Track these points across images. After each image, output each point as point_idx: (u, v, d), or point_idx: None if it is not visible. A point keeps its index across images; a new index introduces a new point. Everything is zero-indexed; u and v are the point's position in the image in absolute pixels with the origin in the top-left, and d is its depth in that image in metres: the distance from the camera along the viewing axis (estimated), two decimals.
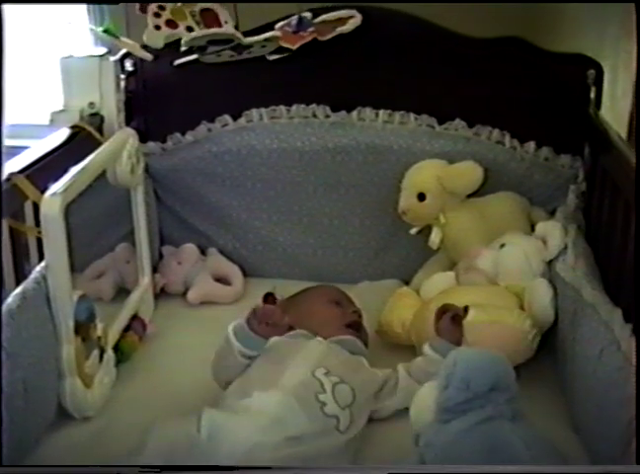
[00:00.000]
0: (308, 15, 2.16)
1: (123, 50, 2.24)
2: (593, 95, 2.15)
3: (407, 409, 1.53)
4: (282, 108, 2.28)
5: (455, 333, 1.74)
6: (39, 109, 2.59)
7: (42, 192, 1.66)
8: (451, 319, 1.74)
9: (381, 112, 2.25)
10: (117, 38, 2.05)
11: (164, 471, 1.32)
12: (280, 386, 1.60)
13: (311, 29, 2.16)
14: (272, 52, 2.16)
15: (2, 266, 1.68)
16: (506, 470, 1.32)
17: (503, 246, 1.99)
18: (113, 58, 2.28)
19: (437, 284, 2.06)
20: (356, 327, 1.90)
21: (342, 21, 2.18)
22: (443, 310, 1.77)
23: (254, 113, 2.28)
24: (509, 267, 1.96)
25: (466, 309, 1.77)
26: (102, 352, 1.79)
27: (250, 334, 1.71)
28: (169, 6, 1.99)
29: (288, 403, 1.56)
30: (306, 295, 2.04)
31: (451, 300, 1.87)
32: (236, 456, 1.46)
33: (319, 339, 1.79)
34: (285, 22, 2.16)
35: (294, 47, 2.15)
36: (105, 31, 2.03)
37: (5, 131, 1.47)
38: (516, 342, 1.79)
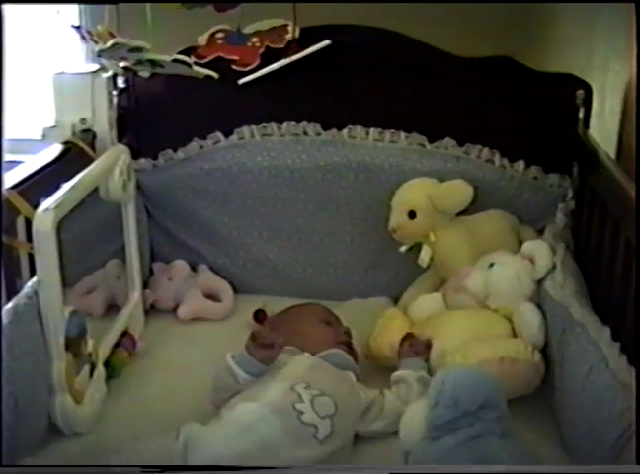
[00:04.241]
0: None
1: None
2: (581, 115, 2.17)
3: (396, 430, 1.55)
4: (274, 125, 2.29)
5: (416, 352, 1.86)
6: (30, 124, 2.60)
7: (35, 207, 1.67)
8: (410, 345, 1.86)
9: (372, 130, 2.26)
10: (188, 66, 2.05)
11: (166, 471, 1.32)
12: (259, 401, 1.62)
13: (254, 39, 2.18)
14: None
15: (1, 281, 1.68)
16: (507, 470, 1.33)
17: (492, 265, 2.00)
18: (105, 75, 2.28)
19: (424, 307, 2.06)
20: (348, 345, 1.91)
21: (283, 28, 2.19)
22: (404, 338, 1.89)
23: (245, 130, 2.30)
24: (500, 288, 1.95)
25: None
26: (92, 367, 1.79)
27: (253, 361, 1.71)
28: (94, 31, 1.99)
29: (260, 412, 1.58)
30: (295, 314, 2.05)
31: (445, 327, 1.89)
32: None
33: (306, 354, 1.80)
34: (219, 35, 2.18)
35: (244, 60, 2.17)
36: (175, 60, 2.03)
37: (5, 146, 1.47)
38: (528, 376, 1.79)
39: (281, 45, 2.19)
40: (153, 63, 1.98)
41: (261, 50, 2.19)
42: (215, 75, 2.11)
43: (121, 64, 2.05)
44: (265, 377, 1.70)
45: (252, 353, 1.72)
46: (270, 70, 2.12)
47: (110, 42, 1.87)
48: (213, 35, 2.20)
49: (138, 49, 1.91)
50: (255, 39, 2.18)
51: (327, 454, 1.57)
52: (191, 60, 2.04)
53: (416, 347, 1.86)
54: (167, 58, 1.99)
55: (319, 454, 1.56)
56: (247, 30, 2.20)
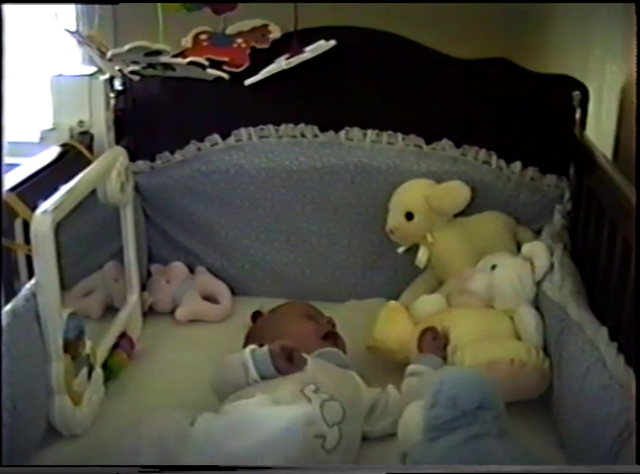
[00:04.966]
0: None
1: None
2: (578, 116, 2.17)
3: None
4: (271, 127, 2.29)
5: (438, 348, 1.83)
6: (28, 126, 2.60)
7: (33, 209, 1.67)
8: (434, 339, 1.83)
9: (369, 132, 2.27)
10: (204, 67, 2.06)
11: (163, 471, 1.32)
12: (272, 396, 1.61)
13: (239, 40, 2.18)
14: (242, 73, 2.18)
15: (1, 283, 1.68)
16: (507, 470, 1.33)
17: (494, 267, 2.00)
18: (102, 77, 2.28)
19: (426, 307, 2.04)
20: (332, 337, 1.91)
21: (264, 29, 2.20)
22: (425, 331, 1.86)
23: (243, 132, 2.30)
24: (504, 290, 1.95)
25: None
26: (90, 369, 1.79)
27: (271, 366, 1.69)
28: (86, 36, 2.00)
29: (272, 407, 1.56)
30: (278, 315, 2.05)
31: (453, 323, 1.89)
32: (221, 455, 1.47)
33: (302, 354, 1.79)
34: (203, 37, 2.19)
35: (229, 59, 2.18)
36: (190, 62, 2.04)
37: (5, 148, 1.48)
38: (536, 380, 1.78)
39: (266, 45, 2.20)
40: (165, 66, 1.99)
41: (247, 51, 2.19)
42: (226, 76, 2.13)
43: (130, 68, 2.06)
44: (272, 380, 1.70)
45: (274, 358, 1.70)
46: (278, 70, 2.13)
47: (128, 46, 1.88)
48: (197, 37, 2.20)
49: (157, 52, 1.92)
50: (240, 40, 2.19)
51: (337, 461, 1.56)
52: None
53: (439, 342, 1.84)
54: (182, 61, 2.00)
55: (328, 462, 1.55)
56: (229, 31, 2.20)
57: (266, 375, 1.69)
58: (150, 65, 2.02)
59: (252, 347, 1.75)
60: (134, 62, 2.01)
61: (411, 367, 1.80)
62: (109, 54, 1.98)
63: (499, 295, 1.95)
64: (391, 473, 1.41)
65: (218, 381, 1.76)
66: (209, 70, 2.08)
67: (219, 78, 2.13)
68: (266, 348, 1.73)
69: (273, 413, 1.55)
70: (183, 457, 1.47)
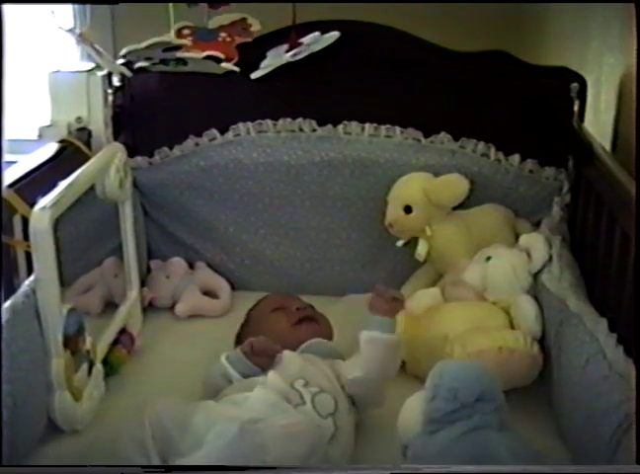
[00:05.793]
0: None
1: None
2: (576, 108, 2.17)
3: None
4: (269, 122, 2.29)
5: (392, 310, 1.73)
6: (26, 123, 2.60)
7: (31, 206, 1.67)
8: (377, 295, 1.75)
9: (367, 125, 2.26)
10: (219, 61, 2.07)
11: (168, 471, 1.32)
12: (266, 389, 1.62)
13: (223, 34, 2.18)
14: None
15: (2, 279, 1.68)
16: (510, 470, 1.33)
17: (489, 259, 2.00)
18: (100, 73, 2.28)
19: (422, 301, 2.05)
20: (307, 320, 1.92)
21: (243, 22, 2.20)
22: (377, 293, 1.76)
23: (241, 127, 2.30)
24: (497, 281, 1.96)
25: None
26: (91, 365, 1.79)
27: (249, 363, 1.73)
28: (80, 34, 2.01)
29: (273, 397, 1.58)
30: (254, 312, 2.06)
31: (443, 317, 1.91)
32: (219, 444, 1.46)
33: (287, 352, 1.79)
34: (186, 32, 2.18)
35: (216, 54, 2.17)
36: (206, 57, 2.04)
37: (5, 146, 1.48)
38: (526, 367, 1.80)
39: (249, 39, 2.20)
40: (177, 61, 1.99)
41: (234, 45, 2.19)
42: (237, 69, 2.13)
43: (139, 64, 2.06)
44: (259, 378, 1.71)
45: (249, 357, 1.74)
46: (282, 63, 2.12)
47: (148, 42, 1.89)
48: (180, 32, 2.18)
49: (177, 47, 1.92)
50: (224, 34, 2.18)
51: (337, 455, 1.57)
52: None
53: (391, 304, 1.73)
54: (198, 56, 2.00)
55: (328, 455, 1.55)
56: (210, 25, 2.19)
57: (248, 374, 1.72)
58: (162, 61, 2.02)
59: (225, 353, 1.79)
60: (147, 58, 2.02)
61: (364, 334, 1.72)
62: (124, 51, 1.99)
63: (492, 286, 1.97)
64: (396, 473, 1.41)
65: (206, 391, 1.78)
66: (224, 64, 2.08)
67: (231, 71, 2.13)
68: (238, 349, 1.78)
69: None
70: (183, 442, 1.48)
